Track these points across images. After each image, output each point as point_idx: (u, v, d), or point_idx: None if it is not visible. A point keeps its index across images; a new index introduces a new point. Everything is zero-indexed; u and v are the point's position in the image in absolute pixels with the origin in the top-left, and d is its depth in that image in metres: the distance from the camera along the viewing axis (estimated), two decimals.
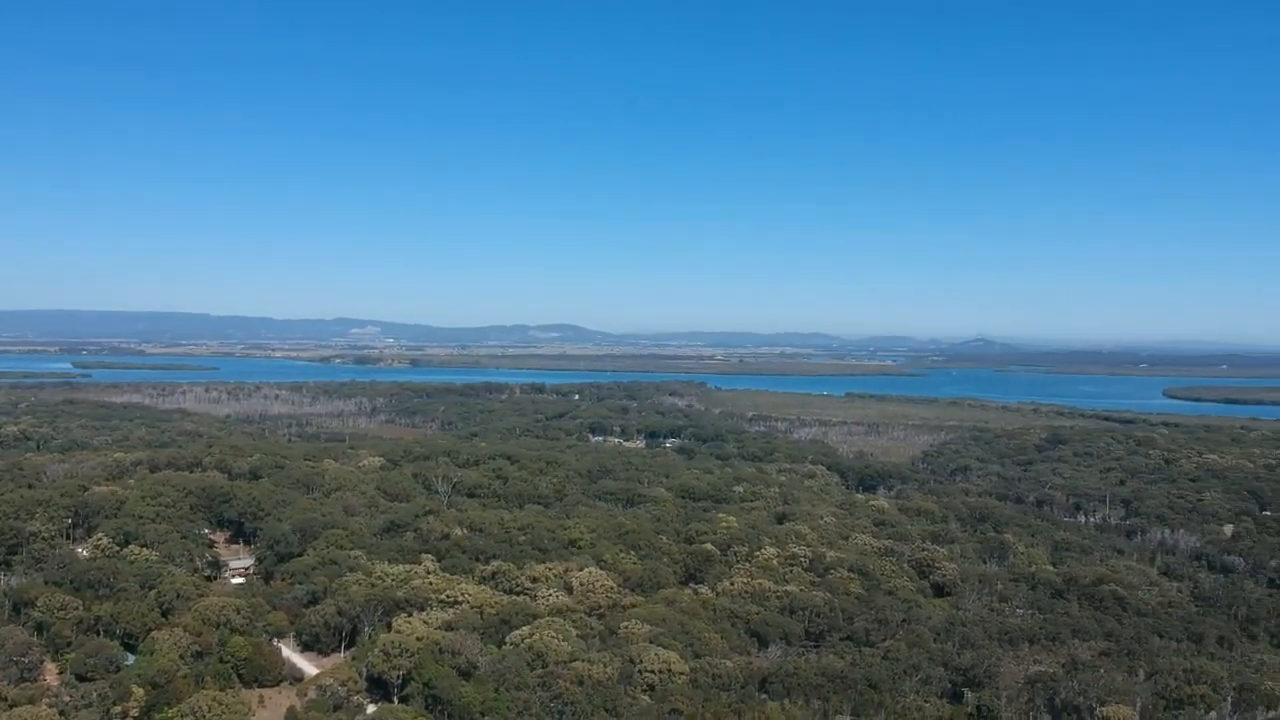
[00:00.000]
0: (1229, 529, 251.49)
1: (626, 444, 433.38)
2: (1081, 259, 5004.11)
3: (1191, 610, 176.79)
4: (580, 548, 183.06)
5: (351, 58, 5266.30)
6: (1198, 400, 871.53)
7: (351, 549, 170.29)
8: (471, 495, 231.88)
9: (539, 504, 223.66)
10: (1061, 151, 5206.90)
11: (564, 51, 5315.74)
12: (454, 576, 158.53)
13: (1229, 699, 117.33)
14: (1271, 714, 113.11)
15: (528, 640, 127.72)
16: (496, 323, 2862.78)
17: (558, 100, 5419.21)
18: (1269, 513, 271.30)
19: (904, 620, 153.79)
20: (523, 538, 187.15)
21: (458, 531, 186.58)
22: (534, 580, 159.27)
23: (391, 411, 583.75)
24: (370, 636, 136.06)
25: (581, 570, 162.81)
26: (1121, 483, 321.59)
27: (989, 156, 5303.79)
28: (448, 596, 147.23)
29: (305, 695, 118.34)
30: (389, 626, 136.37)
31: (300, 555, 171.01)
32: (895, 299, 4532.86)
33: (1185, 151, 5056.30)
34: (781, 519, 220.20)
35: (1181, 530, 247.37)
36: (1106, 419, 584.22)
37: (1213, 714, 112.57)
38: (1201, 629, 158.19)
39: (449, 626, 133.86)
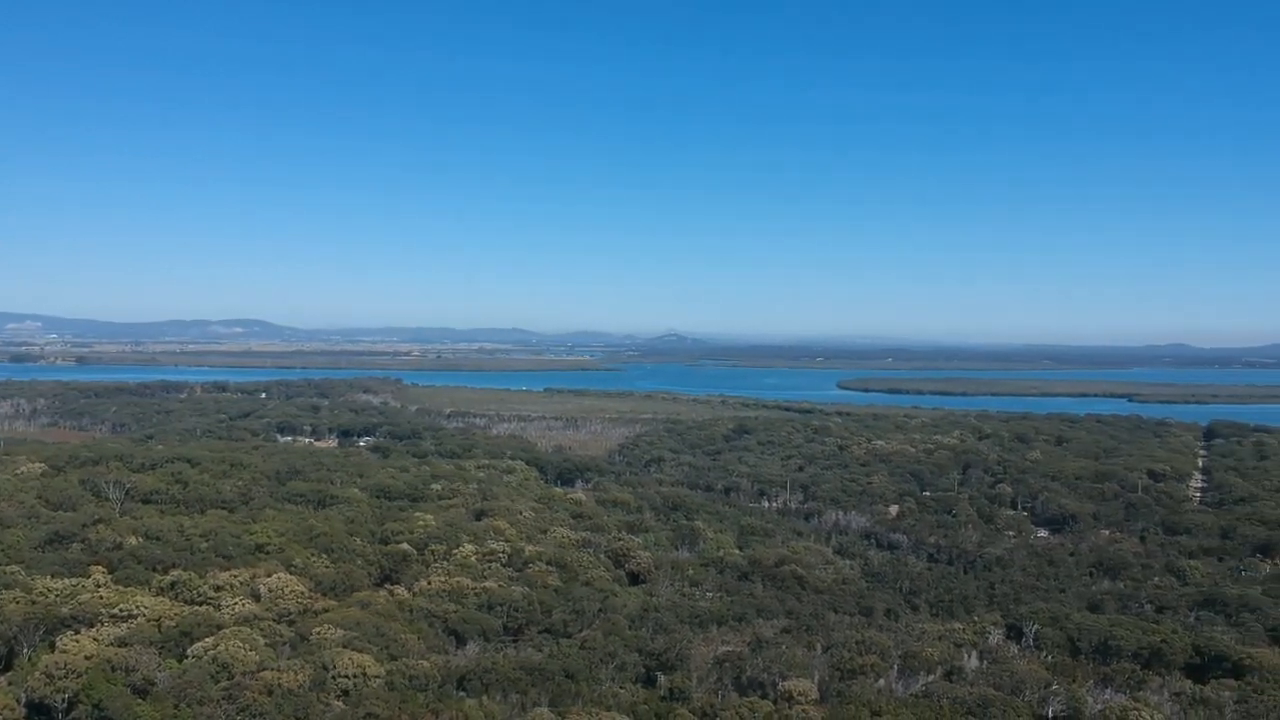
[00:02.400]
0: (894, 509, 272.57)
1: (318, 443, 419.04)
2: (764, 259, 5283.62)
3: (862, 586, 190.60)
4: (268, 552, 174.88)
5: None
6: (866, 391, 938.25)
7: (8, 564, 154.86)
8: (148, 502, 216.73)
9: (223, 508, 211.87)
10: (739, 154, 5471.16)
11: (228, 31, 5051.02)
12: (128, 589, 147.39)
13: (895, 666, 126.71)
14: (931, 677, 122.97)
15: (211, 652, 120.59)
16: (174, 317, 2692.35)
17: (231, 81, 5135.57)
18: (928, 493, 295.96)
19: (600, 610, 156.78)
20: (205, 544, 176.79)
21: (132, 540, 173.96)
22: (218, 589, 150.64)
23: (55, 413, 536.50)
24: (30, 658, 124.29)
25: (270, 576, 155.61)
26: (801, 469, 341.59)
27: (673, 158, 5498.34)
28: (121, 610, 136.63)
29: None
30: (53, 646, 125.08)
31: None
32: (592, 295, 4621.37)
33: (845, 156, 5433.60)
34: (480, 515, 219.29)
35: (853, 511, 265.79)
36: (787, 409, 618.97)
37: (881, 681, 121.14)
38: (871, 603, 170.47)
39: (123, 642, 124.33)
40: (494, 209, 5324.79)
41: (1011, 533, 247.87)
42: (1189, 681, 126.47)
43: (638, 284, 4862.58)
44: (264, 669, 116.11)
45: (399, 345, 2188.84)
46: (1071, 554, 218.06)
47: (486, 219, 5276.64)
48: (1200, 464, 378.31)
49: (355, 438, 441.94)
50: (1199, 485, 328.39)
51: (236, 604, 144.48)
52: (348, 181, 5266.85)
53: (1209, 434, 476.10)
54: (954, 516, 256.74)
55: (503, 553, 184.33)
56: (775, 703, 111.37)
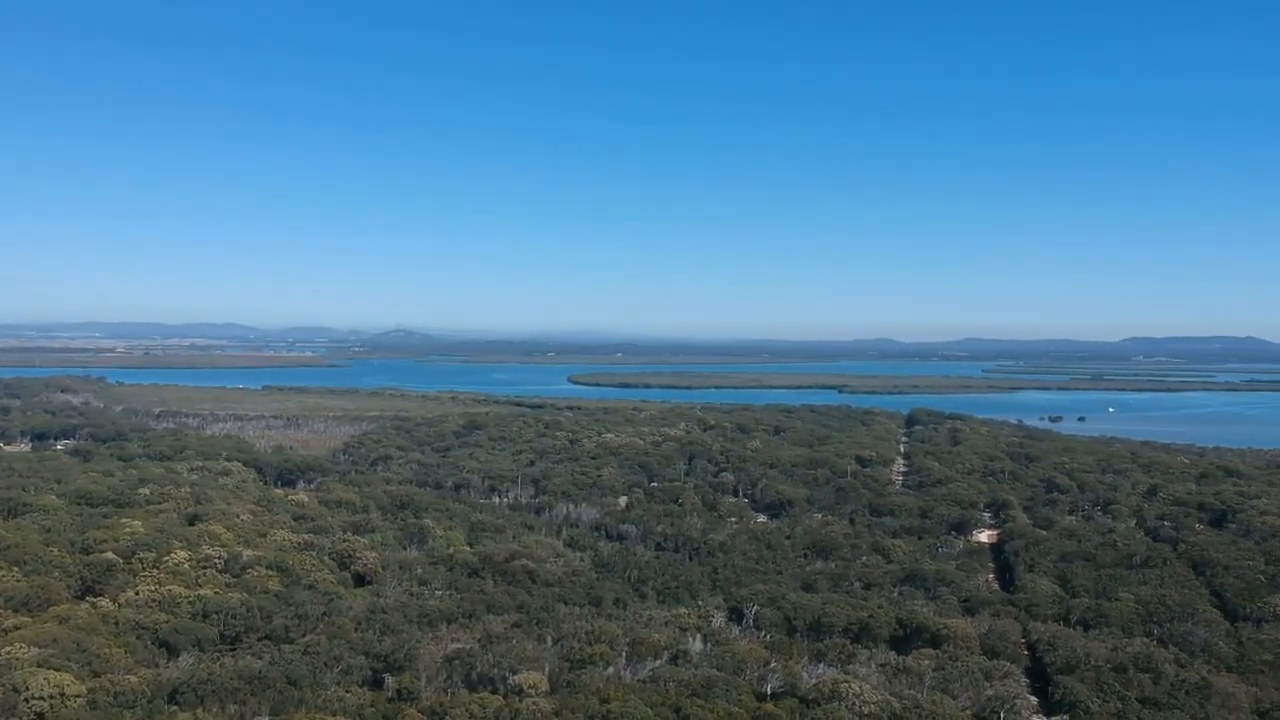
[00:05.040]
0: (623, 500, 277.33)
1: (8, 447, 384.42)
2: (494, 255, 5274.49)
3: (592, 577, 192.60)
4: None
5: None
6: (597, 385, 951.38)
7: None
8: None
9: None
10: (467, 148, 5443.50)
11: None
12: None
13: (624, 653, 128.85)
14: (658, 662, 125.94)
15: None
16: None
17: None
18: (656, 484, 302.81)
19: (324, 613, 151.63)
20: None
21: None
22: None
23: None
24: None
25: None
26: (532, 463, 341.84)
27: (395, 155, 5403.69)
28: None
29: None
30: None
31: None
32: (314, 289, 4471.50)
33: (575, 153, 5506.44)
34: (194, 520, 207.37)
35: (584, 504, 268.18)
36: (519, 404, 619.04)
37: (611, 669, 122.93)
38: (601, 593, 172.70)
39: None
40: (201, 196, 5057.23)
41: (733, 519, 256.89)
42: (893, 653, 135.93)
43: (363, 278, 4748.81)
44: None
45: (102, 341, 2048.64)
46: (788, 537, 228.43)
47: (194, 206, 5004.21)
48: (902, 449, 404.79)
49: (52, 440, 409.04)
50: (901, 469, 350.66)
51: None
52: (40, 165, 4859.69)
53: (910, 421, 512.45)
54: (680, 505, 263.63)
55: (219, 558, 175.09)
56: (505, 697, 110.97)
